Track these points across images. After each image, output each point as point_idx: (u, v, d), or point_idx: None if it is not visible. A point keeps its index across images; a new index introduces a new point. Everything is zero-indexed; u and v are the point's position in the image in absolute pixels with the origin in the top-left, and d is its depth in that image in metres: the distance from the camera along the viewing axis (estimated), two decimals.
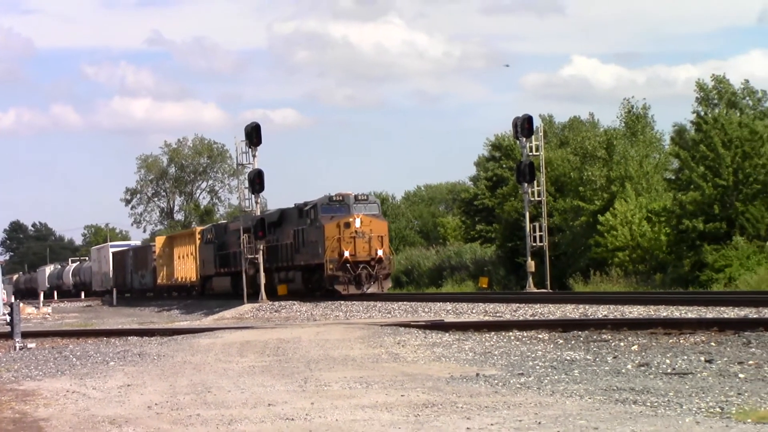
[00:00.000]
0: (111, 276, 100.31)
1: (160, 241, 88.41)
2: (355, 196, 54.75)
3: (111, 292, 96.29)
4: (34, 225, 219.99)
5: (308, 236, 55.12)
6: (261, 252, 57.15)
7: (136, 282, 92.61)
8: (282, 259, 59.82)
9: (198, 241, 75.86)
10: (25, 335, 34.96)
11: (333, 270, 51.92)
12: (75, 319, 62.19)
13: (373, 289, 52.17)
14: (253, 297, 56.33)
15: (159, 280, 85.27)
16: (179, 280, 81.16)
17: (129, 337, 34.66)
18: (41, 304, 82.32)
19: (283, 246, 59.37)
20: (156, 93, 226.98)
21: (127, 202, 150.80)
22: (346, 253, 51.89)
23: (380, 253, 52.77)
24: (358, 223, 52.44)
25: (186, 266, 79.35)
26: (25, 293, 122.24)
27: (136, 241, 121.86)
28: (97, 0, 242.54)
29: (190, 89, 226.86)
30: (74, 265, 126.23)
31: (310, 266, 55.45)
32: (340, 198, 54.31)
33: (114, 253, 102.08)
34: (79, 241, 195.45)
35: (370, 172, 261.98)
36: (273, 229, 60.75)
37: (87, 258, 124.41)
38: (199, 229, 79.12)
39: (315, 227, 54.03)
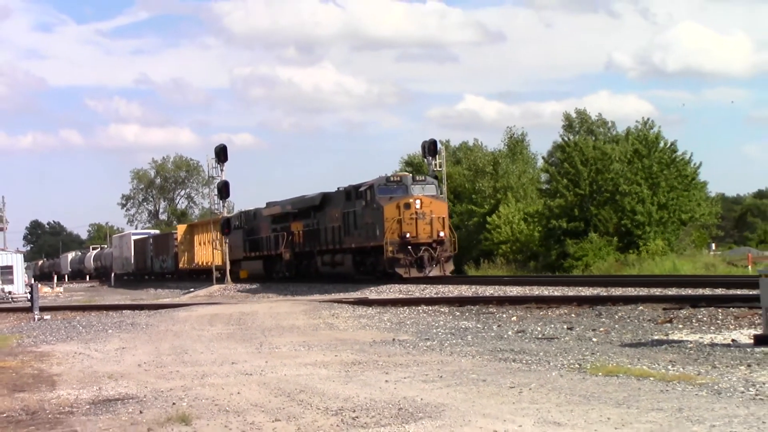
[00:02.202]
0: (132, 261, 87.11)
1: (181, 229, 75.54)
2: (413, 177, 43.02)
3: (133, 274, 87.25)
4: (49, 223, 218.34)
5: (362, 218, 42.68)
6: (226, 244, 56.74)
7: (156, 266, 79.85)
8: (326, 242, 46.98)
9: None
10: (42, 309, 34.62)
11: (393, 252, 39.62)
12: (81, 296, 61.49)
13: (435, 272, 39.90)
14: (221, 279, 55.98)
15: (180, 265, 73.14)
16: (200, 264, 69.17)
17: (124, 311, 34.44)
18: (55, 284, 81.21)
19: (329, 229, 46.68)
20: (143, 121, 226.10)
21: (123, 205, 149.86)
22: (408, 235, 39.68)
23: (442, 234, 40.31)
24: (418, 204, 40.25)
25: (208, 251, 66.63)
26: (48, 276, 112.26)
27: (155, 230, 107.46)
28: (99, 49, 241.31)
29: (170, 118, 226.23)
30: (95, 251, 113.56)
31: (364, 249, 42.98)
32: (398, 178, 42.27)
33: (135, 240, 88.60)
34: (84, 236, 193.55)
35: (309, 183, 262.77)
36: (313, 213, 48.93)
37: (105, 246, 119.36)
38: (225, 216, 63.80)
39: (372, 208, 41.61)
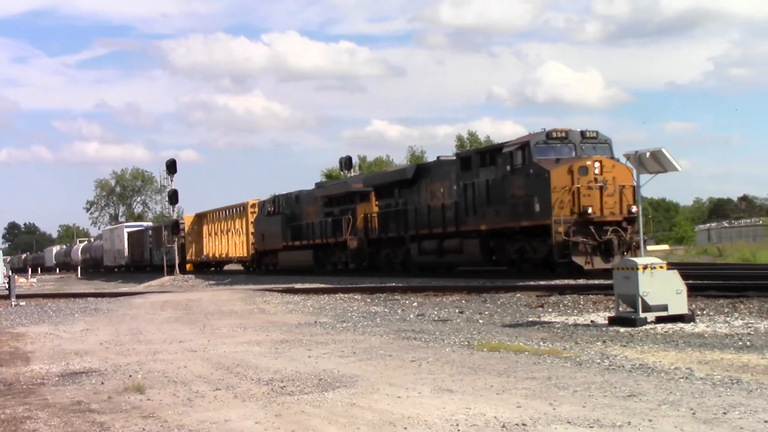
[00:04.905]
0: (126, 253, 73.84)
1: (188, 219, 60.78)
2: (581, 132, 26.82)
3: (127, 266, 74.75)
4: (24, 224, 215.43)
5: (504, 189, 27.47)
6: (175, 244, 56.08)
7: (156, 258, 63.15)
8: (427, 224, 31.98)
9: (251, 215, 49.09)
10: (18, 297, 33.83)
11: (568, 234, 24.83)
12: (52, 286, 60.23)
13: None
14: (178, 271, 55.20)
15: (188, 256, 59.29)
16: (209, 256, 56.42)
17: (88, 298, 33.83)
18: (29, 276, 79.36)
19: (432, 208, 31.69)
20: (102, 139, 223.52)
21: (87, 209, 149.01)
22: (589, 210, 24.98)
23: (634, 210, 24.67)
24: (597, 168, 25.56)
25: (220, 242, 54.62)
26: (33, 269, 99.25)
27: (148, 222, 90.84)
28: (65, 78, 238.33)
29: (125, 137, 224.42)
30: (83, 244, 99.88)
31: (506, 230, 27.80)
32: (563, 134, 26.55)
33: (129, 233, 74.67)
34: (55, 235, 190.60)
35: (243, 193, 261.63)
36: (398, 190, 34.39)
37: (91, 239, 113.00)
38: (252, 201, 49.97)
39: (526, 175, 26.53)
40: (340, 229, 37.92)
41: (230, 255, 53.75)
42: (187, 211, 76.82)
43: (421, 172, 33.36)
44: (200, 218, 60.03)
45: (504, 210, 27.76)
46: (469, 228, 29.70)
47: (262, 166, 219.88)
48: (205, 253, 57.73)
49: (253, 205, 49.75)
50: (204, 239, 57.91)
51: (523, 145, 26.92)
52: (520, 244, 27.62)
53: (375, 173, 37.69)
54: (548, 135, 26.66)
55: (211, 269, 59.31)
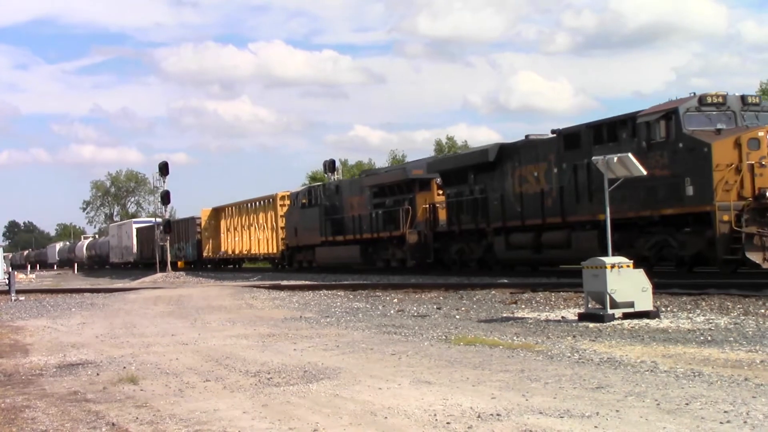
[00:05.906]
0: (135, 249, 68.74)
1: (205, 213, 54.97)
2: (742, 98, 20.74)
3: (136, 264, 68.78)
4: (24, 223, 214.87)
5: (649, 168, 18.74)
6: (167, 242, 55.77)
7: (170, 255, 55.85)
8: (516, 214, 26.27)
9: (281, 208, 43.36)
10: (18, 292, 33.66)
11: (738, 224, 18.95)
12: (50, 281, 59.88)
13: None
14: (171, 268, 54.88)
15: (204, 253, 54.31)
16: (228, 252, 51.09)
17: (84, 293, 33.69)
18: (28, 272, 78.79)
19: (525, 196, 25.91)
20: (98, 142, 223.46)
21: (84, 209, 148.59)
22: None
23: None
24: None
25: (241, 238, 49.04)
26: (34, 264, 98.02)
27: (157, 218, 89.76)
28: (63, 84, 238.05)
29: (120, 140, 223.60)
30: (87, 240, 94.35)
31: (639, 220, 21.75)
32: (720, 99, 20.59)
33: (139, 229, 68.91)
34: (53, 233, 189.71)
35: (232, 193, 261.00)
36: (473, 176, 28.41)
37: (96, 235, 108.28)
38: (282, 193, 44.03)
39: (674, 150, 20.43)
40: (394, 222, 32.64)
41: (254, 251, 48.33)
42: (179, 211, 76.41)
43: (505, 153, 27.06)
44: (218, 212, 54.27)
45: (635, 195, 21.48)
46: (580, 218, 23.78)
47: (251, 168, 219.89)
48: (223, 249, 52.38)
49: (282, 197, 44.18)
50: (221, 235, 52.62)
51: (669, 113, 20.77)
52: (659, 237, 21.37)
53: (444, 156, 31.33)
54: (701, 100, 20.68)
55: (229, 266, 54.05)
